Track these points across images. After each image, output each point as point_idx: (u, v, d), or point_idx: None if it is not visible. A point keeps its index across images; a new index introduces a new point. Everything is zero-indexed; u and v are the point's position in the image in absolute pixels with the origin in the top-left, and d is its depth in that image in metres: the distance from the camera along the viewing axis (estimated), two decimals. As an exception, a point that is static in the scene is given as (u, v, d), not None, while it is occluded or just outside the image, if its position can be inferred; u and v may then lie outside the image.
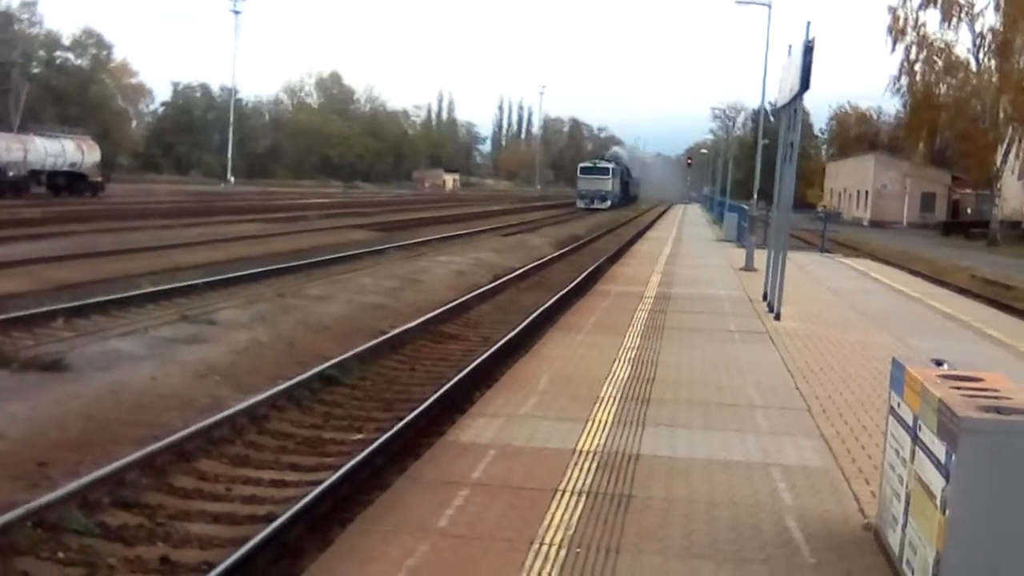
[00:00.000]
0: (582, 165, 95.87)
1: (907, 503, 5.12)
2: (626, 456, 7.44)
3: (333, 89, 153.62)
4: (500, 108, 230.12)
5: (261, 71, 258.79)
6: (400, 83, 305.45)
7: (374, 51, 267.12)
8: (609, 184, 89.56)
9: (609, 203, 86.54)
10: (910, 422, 5.21)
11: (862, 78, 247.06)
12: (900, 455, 5.39)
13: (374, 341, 14.18)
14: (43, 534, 6.60)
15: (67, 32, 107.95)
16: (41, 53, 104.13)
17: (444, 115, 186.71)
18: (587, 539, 5.69)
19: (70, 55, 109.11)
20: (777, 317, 15.61)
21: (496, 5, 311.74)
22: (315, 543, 6.70)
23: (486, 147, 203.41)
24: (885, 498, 5.70)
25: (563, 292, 21.09)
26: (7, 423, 9.02)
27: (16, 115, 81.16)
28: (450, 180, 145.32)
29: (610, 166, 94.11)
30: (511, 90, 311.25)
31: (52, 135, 57.77)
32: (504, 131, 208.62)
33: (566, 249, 35.77)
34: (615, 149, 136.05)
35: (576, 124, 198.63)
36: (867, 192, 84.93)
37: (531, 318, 16.98)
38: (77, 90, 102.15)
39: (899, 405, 5.53)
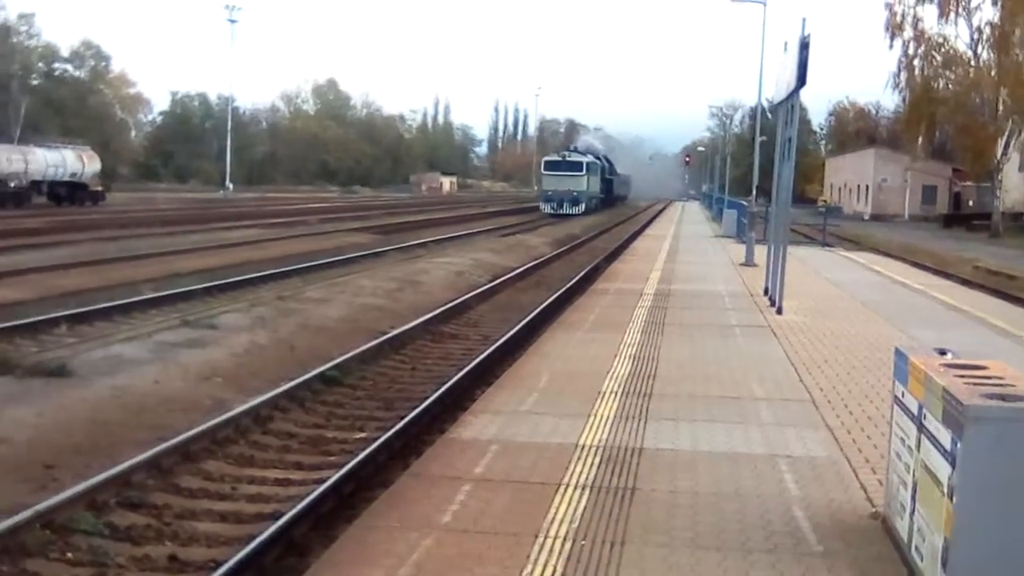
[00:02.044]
0: (547, 159, 74.70)
1: (914, 491, 5.13)
2: (629, 450, 7.43)
3: (329, 95, 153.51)
4: (496, 110, 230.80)
5: (258, 79, 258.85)
6: (396, 88, 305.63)
7: (370, 57, 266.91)
8: (583, 182, 68.72)
9: (583, 207, 67.28)
10: (915, 411, 5.22)
11: (860, 74, 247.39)
12: (906, 443, 5.40)
13: (374, 342, 14.20)
14: (52, 535, 6.62)
15: (65, 44, 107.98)
16: (40, 65, 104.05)
17: (440, 118, 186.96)
18: (592, 532, 5.69)
19: (69, 66, 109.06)
20: (779, 311, 15.61)
21: (491, 8, 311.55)
22: (320, 540, 6.71)
23: (482, 149, 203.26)
24: (892, 486, 5.70)
25: (562, 290, 21.10)
26: (13, 428, 9.04)
27: (16, 127, 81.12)
28: (447, 183, 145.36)
29: (584, 160, 72.20)
30: (507, 92, 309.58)
31: (53, 146, 57.81)
32: (500, 133, 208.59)
33: (564, 248, 35.77)
34: (586, 139, 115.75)
35: (572, 125, 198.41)
36: (867, 186, 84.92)
37: (530, 316, 16.99)
38: (76, 101, 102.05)
39: (903, 394, 5.54)
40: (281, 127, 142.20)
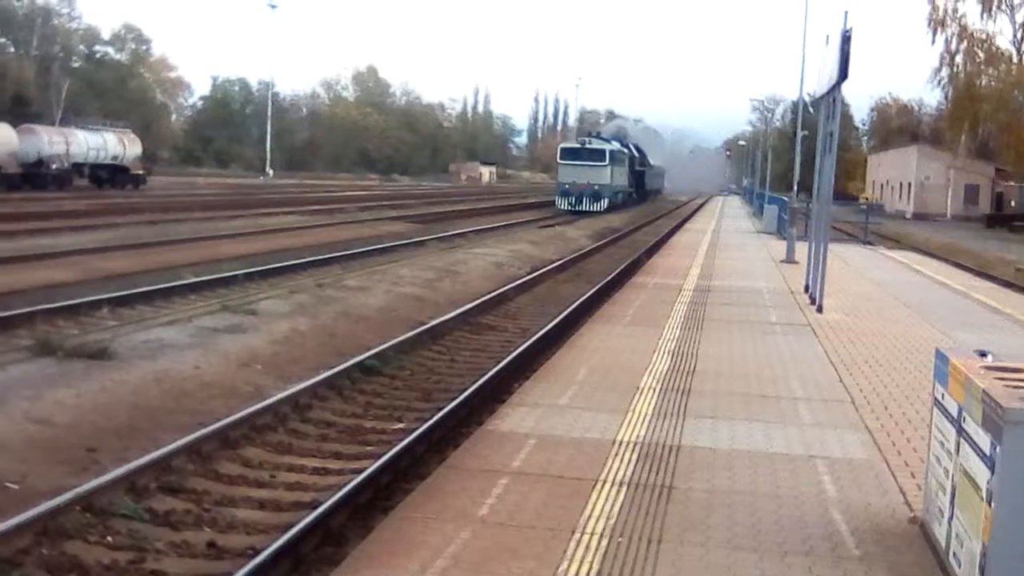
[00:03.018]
0: (563, 146, 63.18)
1: (953, 495, 5.09)
2: (667, 447, 7.42)
3: (369, 83, 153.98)
4: (536, 100, 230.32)
5: (298, 65, 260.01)
6: (436, 77, 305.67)
7: (410, 45, 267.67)
8: (606, 174, 57.09)
9: (605, 203, 56.37)
10: (955, 414, 5.17)
11: (903, 70, 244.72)
12: (945, 447, 5.35)
13: (413, 332, 14.25)
14: (92, 519, 6.70)
15: (106, 26, 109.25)
16: (81, 47, 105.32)
17: (480, 108, 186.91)
18: (629, 529, 5.69)
19: (109, 49, 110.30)
20: (819, 310, 15.50)
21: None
22: (357, 530, 6.76)
23: (522, 139, 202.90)
24: (931, 490, 5.66)
25: (601, 284, 21.08)
26: (55, 410, 9.15)
27: (58, 109, 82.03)
28: (486, 173, 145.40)
29: (607, 147, 60.20)
30: (547, 82, 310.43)
31: (94, 128, 58.27)
32: (540, 123, 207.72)
33: (604, 241, 35.73)
34: (617, 122, 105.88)
35: (612, 116, 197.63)
36: (910, 184, 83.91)
37: (569, 309, 16.98)
38: (117, 84, 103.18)
39: (943, 396, 5.50)
40: (321, 114, 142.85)
